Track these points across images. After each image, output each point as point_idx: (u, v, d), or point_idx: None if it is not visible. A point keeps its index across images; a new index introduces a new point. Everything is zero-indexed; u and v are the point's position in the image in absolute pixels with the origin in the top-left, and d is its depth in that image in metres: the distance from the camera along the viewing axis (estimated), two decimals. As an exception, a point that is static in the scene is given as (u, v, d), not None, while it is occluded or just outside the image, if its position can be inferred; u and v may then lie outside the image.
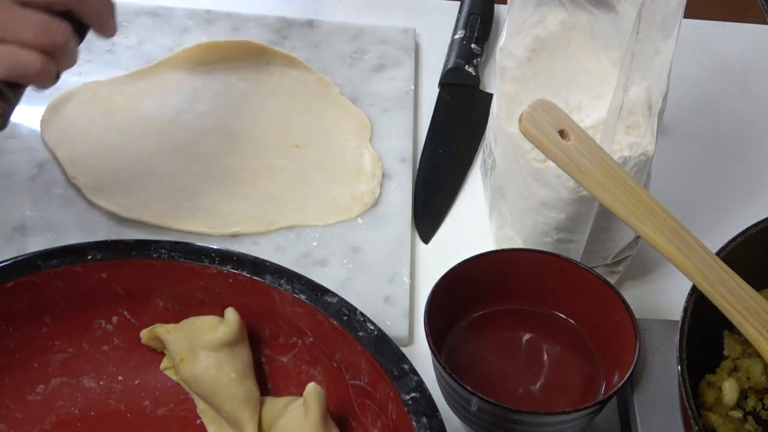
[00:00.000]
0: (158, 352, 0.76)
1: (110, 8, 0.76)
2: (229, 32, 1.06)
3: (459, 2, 1.13)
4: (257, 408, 0.73)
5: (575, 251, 0.84)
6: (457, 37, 1.08)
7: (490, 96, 1.03)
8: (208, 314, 0.74)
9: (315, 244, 0.89)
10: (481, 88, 1.05)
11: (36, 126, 0.95)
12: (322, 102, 1.01)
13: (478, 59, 1.06)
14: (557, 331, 0.81)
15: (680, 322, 0.71)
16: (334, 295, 0.72)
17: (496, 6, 1.12)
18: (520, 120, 0.71)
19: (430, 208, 0.95)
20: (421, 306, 0.79)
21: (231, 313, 0.73)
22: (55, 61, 0.73)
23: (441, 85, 1.05)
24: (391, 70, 1.05)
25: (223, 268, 0.73)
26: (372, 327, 0.70)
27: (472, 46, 1.07)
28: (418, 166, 0.98)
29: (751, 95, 1.09)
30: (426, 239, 0.92)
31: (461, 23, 1.09)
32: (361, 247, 0.89)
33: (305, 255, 0.88)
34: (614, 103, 0.77)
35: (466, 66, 1.05)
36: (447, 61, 1.07)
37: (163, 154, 0.94)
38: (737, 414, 0.73)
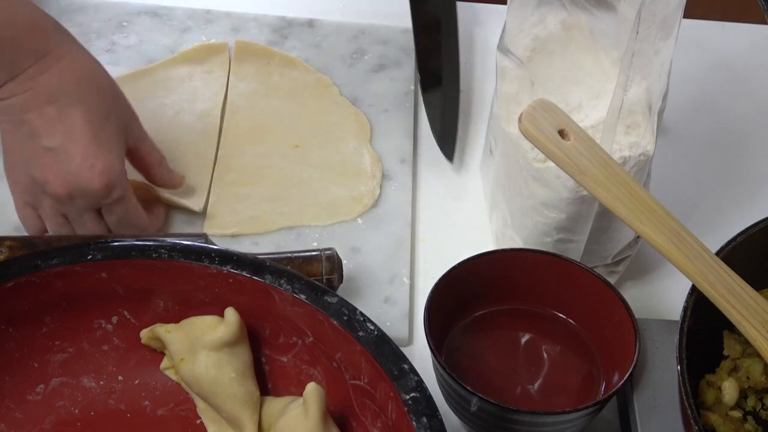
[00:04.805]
0: (158, 352, 0.76)
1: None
2: (229, 32, 1.06)
3: (458, 1, 1.12)
4: (257, 408, 0.73)
5: (575, 251, 0.84)
6: None
7: None
8: (208, 314, 0.74)
9: (315, 244, 0.89)
10: None
11: (36, 126, 0.95)
12: (322, 102, 1.01)
13: None
14: (557, 331, 0.81)
15: (680, 322, 0.71)
16: (334, 295, 0.72)
17: (496, 6, 1.12)
18: (520, 120, 0.71)
19: (445, 127, 0.99)
20: (421, 306, 0.79)
21: (231, 313, 0.73)
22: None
23: None
24: (391, 70, 1.05)
25: (223, 268, 0.73)
26: (372, 327, 0.70)
27: None
28: (420, 82, 1.01)
29: (751, 95, 1.09)
30: (450, 157, 0.97)
31: None
32: (360, 248, 0.89)
33: (305, 255, 0.88)
34: (614, 103, 0.77)
35: None
36: None
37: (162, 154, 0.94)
38: (737, 414, 0.73)
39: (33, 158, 0.79)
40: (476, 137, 1.01)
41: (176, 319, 0.75)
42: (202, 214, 0.91)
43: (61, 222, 0.82)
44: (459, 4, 1.13)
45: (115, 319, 0.76)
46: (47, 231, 0.84)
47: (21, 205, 0.84)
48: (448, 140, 0.99)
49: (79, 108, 0.79)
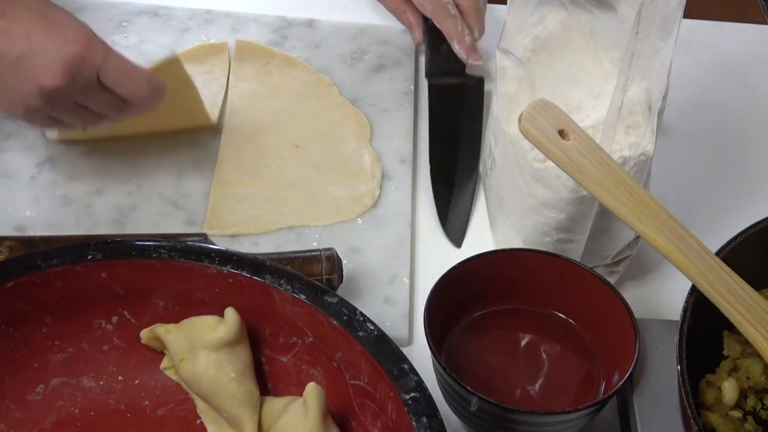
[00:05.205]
0: (158, 352, 0.76)
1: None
2: (229, 32, 1.06)
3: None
4: (257, 408, 0.73)
5: (575, 251, 0.84)
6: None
7: (480, 79, 1.02)
8: (208, 314, 0.74)
9: (315, 244, 0.89)
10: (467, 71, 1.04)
11: (36, 126, 0.95)
12: (322, 102, 1.01)
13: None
14: (557, 331, 0.81)
15: (680, 322, 0.71)
16: (334, 295, 0.72)
17: (496, 6, 1.12)
18: (520, 120, 0.71)
19: (455, 212, 0.94)
20: (421, 306, 0.79)
21: (231, 313, 0.73)
22: None
23: (428, 75, 1.04)
24: (391, 70, 1.05)
25: (223, 268, 0.73)
26: (372, 327, 0.70)
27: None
28: (430, 172, 0.97)
29: (751, 95, 1.09)
30: (459, 244, 0.92)
31: None
32: (360, 248, 0.89)
33: (305, 255, 0.88)
34: (614, 103, 0.77)
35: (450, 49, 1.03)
36: (429, 51, 1.05)
37: (163, 154, 0.94)
38: (737, 414, 0.73)
39: (15, 80, 0.79)
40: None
41: (176, 319, 0.75)
42: (217, 130, 0.94)
43: (78, 109, 0.83)
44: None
45: (115, 319, 0.76)
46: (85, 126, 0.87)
47: (52, 125, 0.85)
48: (456, 228, 0.93)
49: (22, 9, 0.79)
